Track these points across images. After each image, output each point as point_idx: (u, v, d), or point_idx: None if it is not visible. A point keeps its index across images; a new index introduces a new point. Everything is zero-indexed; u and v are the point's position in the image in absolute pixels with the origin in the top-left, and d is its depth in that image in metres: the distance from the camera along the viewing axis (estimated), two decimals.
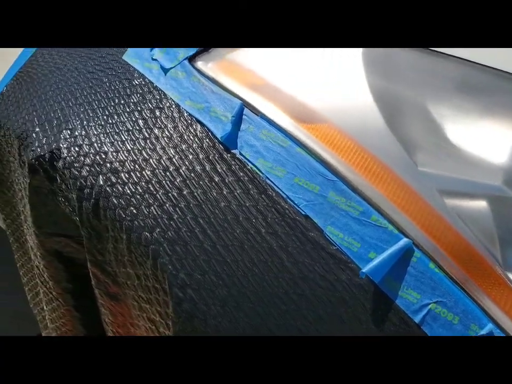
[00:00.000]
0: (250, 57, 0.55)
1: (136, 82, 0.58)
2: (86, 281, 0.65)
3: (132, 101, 0.56)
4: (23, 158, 0.62)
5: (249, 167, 0.48)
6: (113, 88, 0.59)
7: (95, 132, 0.55)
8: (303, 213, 0.45)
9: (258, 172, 0.47)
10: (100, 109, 0.57)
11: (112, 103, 0.57)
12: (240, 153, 0.49)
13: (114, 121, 0.55)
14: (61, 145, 0.56)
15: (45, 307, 0.75)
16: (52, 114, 0.60)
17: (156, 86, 0.56)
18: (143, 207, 0.49)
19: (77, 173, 0.54)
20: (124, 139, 0.54)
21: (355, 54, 0.53)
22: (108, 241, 0.52)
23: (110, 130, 0.55)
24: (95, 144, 0.54)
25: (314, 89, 0.51)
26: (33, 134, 0.60)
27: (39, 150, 0.58)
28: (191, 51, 0.57)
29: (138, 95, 0.56)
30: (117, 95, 0.58)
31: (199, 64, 0.56)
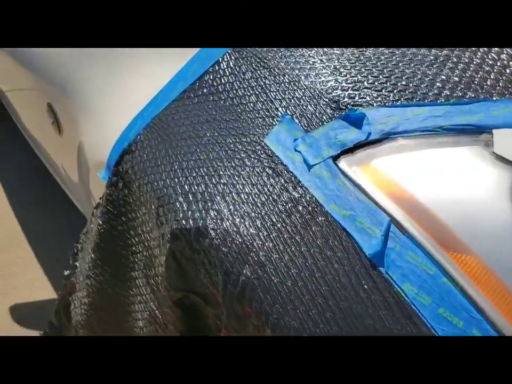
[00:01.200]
0: (397, 166, 0.55)
1: (279, 170, 0.59)
2: (204, 332, 0.68)
3: (276, 191, 0.57)
4: (162, 219, 0.64)
5: (395, 289, 0.49)
6: (256, 173, 0.60)
7: (242, 220, 0.57)
8: None
9: (404, 296, 0.49)
10: (245, 195, 0.59)
11: (257, 191, 0.58)
12: (387, 273, 0.50)
13: (259, 213, 0.57)
14: (208, 224, 0.58)
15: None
16: (196, 188, 0.62)
17: (299, 180, 0.57)
18: (289, 308, 0.51)
19: (223, 256, 0.56)
20: (269, 233, 0.55)
21: (501, 173, 0.52)
22: (249, 327, 0.55)
23: (257, 222, 0.56)
24: (242, 232, 0.56)
25: (461, 212, 0.51)
26: (177, 203, 0.62)
27: (183, 223, 0.60)
28: (335, 149, 0.58)
29: (283, 189, 0.57)
30: (261, 183, 0.59)
31: (343, 165, 0.57)
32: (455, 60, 0.61)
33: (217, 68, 0.70)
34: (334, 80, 0.61)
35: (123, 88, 0.88)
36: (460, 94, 0.57)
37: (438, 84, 0.59)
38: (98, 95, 0.95)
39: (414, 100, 0.58)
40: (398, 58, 0.63)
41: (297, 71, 0.64)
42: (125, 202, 0.75)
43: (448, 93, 0.58)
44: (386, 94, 0.59)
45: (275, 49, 0.67)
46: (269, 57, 0.67)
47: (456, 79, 0.59)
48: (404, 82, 0.59)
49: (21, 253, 1.88)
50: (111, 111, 0.89)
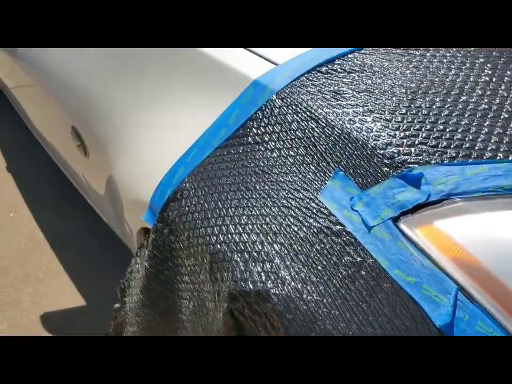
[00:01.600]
0: (459, 229, 0.54)
1: (337, 230, 0.58)
2: None
3: (336, 253, 0.57)
4: (217, 276, 0.64)
5: None
6: (313, 233, 0.59)
7: (304, 285, 0.56)
8: None
9: None
10: (303, 256, 0.58)
11: (316, 253, 0.57)
12: None
13: (322, 277, 0.56)
14: (269, 289, 0.57)
15: None
16: (251, 246, 0.61)
17: (359, 242, 0.57)
18: None
19: (287, 323, 0.55)
20: (333, 299, 0.54)
21: None
22: None
23: (320, 288, 0.55)
24: (306, 299, 0.55)
25: None
26: (233, 262, 0.61)
27: (242, 284, 0.60)
28: (395, 210, 0.56)
29: (343, 252, 0.56)
30: (320, 244, 0.58)
31: (404, 227, 0.56)
32: (510, 109, 0.60)
33: (260, 115, 0.68)
34: (386, 135, 0.60)
35: (158, 124, 0.87)
36: None
37: (495, 138, 0.57)
38: (132, 127, 0.93)
39: (472, 156, 0.56)
40: (450, 108, 0.61)
41: (346, 123, 0.62)
42: (171, 248, 0.74)
43: (507, 148, 0.56)
44: (442, 150, 0.57)
45: (320, 96, 0.66)
46: (315, 106, 0.65)
47: None
48: (459, 136, 0.58)
49: (45, 259, 1.89)
50: (147, 148, 0.88)
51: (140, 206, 0.86)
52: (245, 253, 0.61)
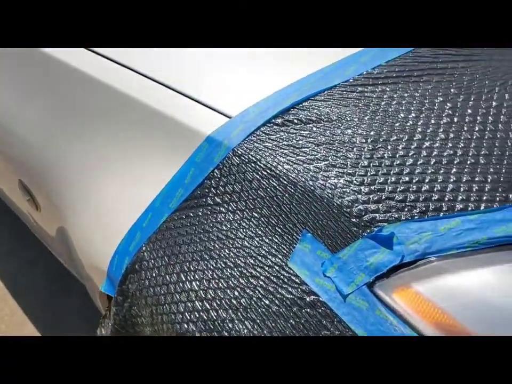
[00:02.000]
0: (439, 292, 0.50)
1: (311, 301, 0.54)
2: None
3: (312, 328, 0.52)
4: None
5: None
6: (287, 305, 0.55)
7: None
8: None
9: None
10: (278, 333, 0.54)
11: (291, 328, 0.53)
12: None
13: None
14: None
15: None
16: (221, 325, 0.56)
17: (336, 314, 0.53)
18: None
19: None
20: None
21: None
22: None
23: None
24: None
25: None
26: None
27: None
28: (369, 275, 0.53)
29: (320, 326, 0.52)
30: (294, 318, 0.54)
31: (380, 292, 0.52)
32: (475, 152, 0.57)
33: (218, 174, 0.64)
34: (351, 191, 0.56)
35: (108, 184, 0.81)
36: (489, 197, 0.54)
37: (464, 187, 0.55)
38: (84, 185, 0.87)
39: (443, 209, 0.54)
40: (414, 156, 0.58)
41: (309, 180, 0.58)
42: (133, 323, 0.69)
43: (477, 197, 0.54)
44: (411, 204, 0.54)
45: (279, 152, 0.61)
46: (275, 163, 0.61)
47: (481, 178, 0.55)
48: (427, 188, 0.55)
49: (6, 309, 1.79)
50: (100, 209, 0.82)
51: (99, 271, 0.80)
52: (215, 333, 0.56)
